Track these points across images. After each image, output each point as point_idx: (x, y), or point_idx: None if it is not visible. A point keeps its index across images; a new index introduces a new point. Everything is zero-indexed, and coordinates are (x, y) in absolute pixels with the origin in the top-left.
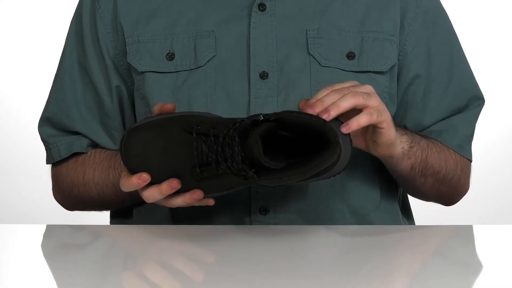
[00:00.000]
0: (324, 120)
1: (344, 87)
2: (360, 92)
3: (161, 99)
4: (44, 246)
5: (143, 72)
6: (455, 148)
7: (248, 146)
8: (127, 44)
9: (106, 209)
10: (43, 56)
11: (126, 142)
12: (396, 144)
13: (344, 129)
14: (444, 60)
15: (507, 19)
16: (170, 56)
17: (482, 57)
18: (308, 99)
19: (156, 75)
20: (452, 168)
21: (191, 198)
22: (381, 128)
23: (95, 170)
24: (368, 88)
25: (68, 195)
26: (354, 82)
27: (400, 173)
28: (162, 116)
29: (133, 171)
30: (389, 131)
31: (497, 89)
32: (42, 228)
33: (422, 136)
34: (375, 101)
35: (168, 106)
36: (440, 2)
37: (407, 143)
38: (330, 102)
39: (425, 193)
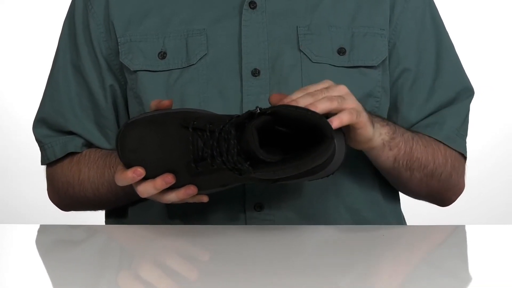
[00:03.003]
0: (320, 115)
1: (318, 90)
2: (335, 96)
3: (154, 97)
4: (39, 245)
5: (135, 71)
6: (443, 140)
7: (244, 138)
8: (119, 43)
9: (101, 209)
10: (42, 56)
11: (122, 136)
12: (374, 138)
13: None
14: (432, 55)
15: (508, 21)
16: (162, 55)
17: (484, 57)
18: (280, 93)
19: (149, 74)
20: (441, 163)
21: (185, 193)
22: (358, 128)
23: (90, 169)
24: (343, 89)
25: (64, 195)
26: (328, 83)
27: (383, 165)
28: (158, 112)
29: (128, 165)
30: (365, 131)
31: (494, 89)
32: (36, 228)
33: (407, 129)
34: (350, 103)
35: (165, 103)
36: None
37: (387, 134)
38: (304, 104)
39: (414, 189)
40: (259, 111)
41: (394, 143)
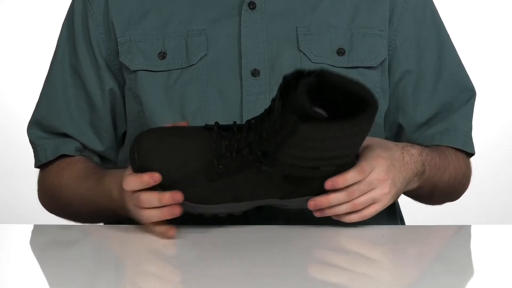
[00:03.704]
0: (364, 85)
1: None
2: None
3: (154, 97)
4: (33, 245)
5: (135, 71)
6: (461, 147)
7: (292, 96)
8: (118, 43)
9: (76, 221)
10: (42, 56)
11: (139, 140)
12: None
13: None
14: (433, 55)
15: (508, 21)
16: (162, 55)
17: (484, 57)
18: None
19: (149, 74)
20: (457, 178)
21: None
22: None
23: (70, 177)
24: (385, 187)
25: (48, 199)
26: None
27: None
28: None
29: (141, 168)
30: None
31: (494, 89)
32: (30, 228)
33: (436, 155)
34: (388, 201)
35: (182, 124)
36: None
37: (416, 185)
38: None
39: (430, 203)
40: (306, 71)
41: (417, 188)
